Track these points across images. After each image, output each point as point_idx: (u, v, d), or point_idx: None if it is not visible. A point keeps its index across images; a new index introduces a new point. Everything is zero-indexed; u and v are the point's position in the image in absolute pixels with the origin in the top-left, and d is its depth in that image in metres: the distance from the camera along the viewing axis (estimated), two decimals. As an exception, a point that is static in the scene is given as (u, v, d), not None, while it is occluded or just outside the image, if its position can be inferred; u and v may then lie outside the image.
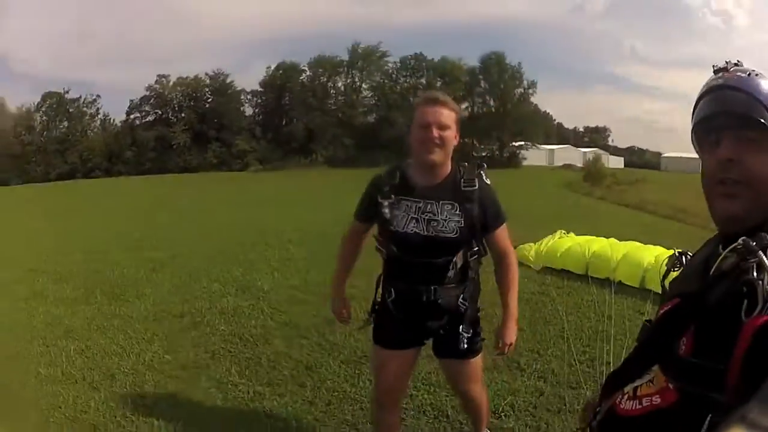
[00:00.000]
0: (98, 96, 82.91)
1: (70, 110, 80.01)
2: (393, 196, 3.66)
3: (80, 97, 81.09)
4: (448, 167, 3.69)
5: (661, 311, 1.88)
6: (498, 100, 77.14)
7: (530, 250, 11.27)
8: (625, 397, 1.88)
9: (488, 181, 3.74)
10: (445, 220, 3.59)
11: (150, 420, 5.13)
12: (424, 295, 3.65)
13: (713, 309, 1.63)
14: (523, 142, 76.36)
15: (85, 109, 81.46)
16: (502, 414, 5.29)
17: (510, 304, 3.86)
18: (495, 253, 3.83)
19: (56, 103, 79.18)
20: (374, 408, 4.31)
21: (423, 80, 78.62)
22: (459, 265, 3.66)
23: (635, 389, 1.85)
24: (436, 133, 3.52)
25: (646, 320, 2.10)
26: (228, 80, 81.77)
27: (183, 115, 78.08)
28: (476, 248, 3.73)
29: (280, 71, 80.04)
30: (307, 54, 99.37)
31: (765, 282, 1.47)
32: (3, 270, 11.83)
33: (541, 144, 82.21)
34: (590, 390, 5.62)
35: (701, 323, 1.65)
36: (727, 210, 1.72)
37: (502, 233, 3.78)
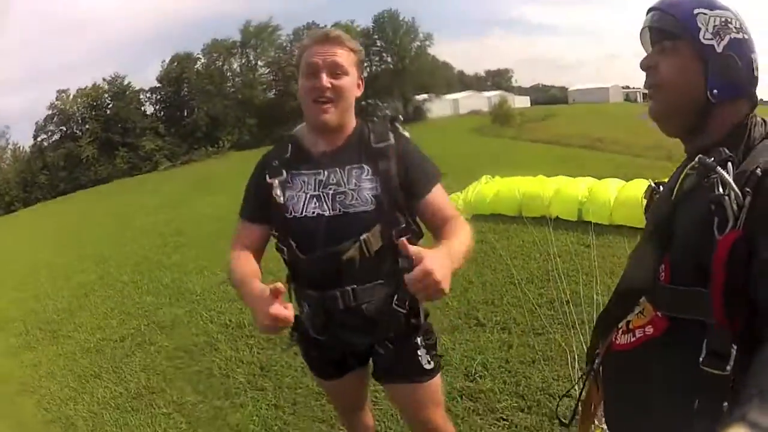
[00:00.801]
0: (7, 127, 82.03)
1: None
2: (284, 171, 2.67)
3: None
4: (352, 124, 2.74)
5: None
6: (395, 56, 76.83)
7: (457, 199, 11.06)
8: (620, 332, 1.89)
9: (407, 133, 2.79)
10: (354, 189, 2.58)
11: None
12: (340, 301, 2.61)
13: (683, 233, 1.67)
14: (426, 95, 76.50)
15: None
16: (477, 376, 5.11)
17: (452, 244, 2.37)
18: (435, 224, 2.65)
19: None
20: (340, 416, 3.85)
21: None
22: (374, 248, 2.55)
23: (627, 323, 1.87)
24: (326, 81, 2.55)
25: (631, 253, 2.05)
26: (126, 82, 78.58)
27: (87, 126, 74.86)
28: (403, 224, 2.62)
29: (175, 63, 77.49)
30: (201, 42, 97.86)
31: (731, 197, 1.50)
32: None
33: (444, 95, 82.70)
34: (557, 333, 5.56)
35: (674, 250, 1.68)
36: (651, 109, 1.88)
37: (439, 196, 2.67)
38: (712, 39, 1.74)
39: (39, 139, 77.18)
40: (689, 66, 1.76)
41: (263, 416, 5.07)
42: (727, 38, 1.74)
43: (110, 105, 76.70)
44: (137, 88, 79.67)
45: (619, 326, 1.89)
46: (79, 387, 6.63)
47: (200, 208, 19.71)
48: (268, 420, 4.99)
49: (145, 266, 12.10)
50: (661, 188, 2.09)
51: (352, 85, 2.65)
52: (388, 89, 72.39)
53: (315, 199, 2.60)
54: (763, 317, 1.37)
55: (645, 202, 2.21)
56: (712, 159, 1.60)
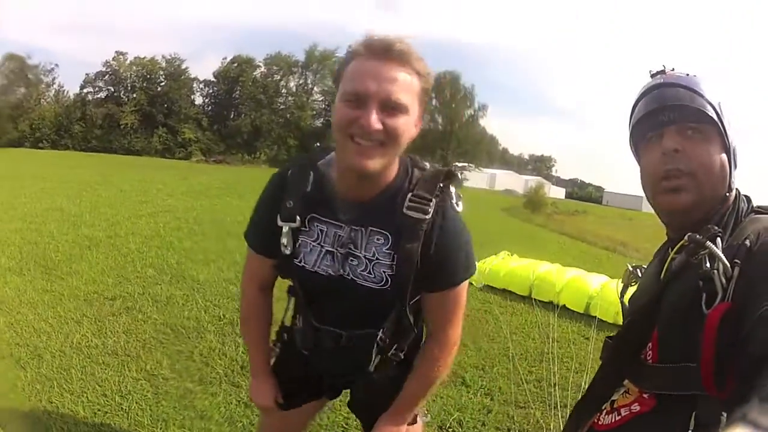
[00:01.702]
0: (56, 65, 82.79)
1: (29, 76, 77.81)
2: (298, 218, 2.17)
3: (39, 64, 79.14)
4: (393, 170, 2.14)
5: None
6: (447, 119, 77.67)
7: None
8: (603, 413, 1.87)
9: (458, 208, 2.17)
10: (371, 260, 2.14)
11: (75, 409, 4.81)
12: (331, 340, 2.38)
13: (671, 311, 1.66)
14: (466, 164, 77.07)
15: (42, 77, 79.36)
16: (450, 430, 5.13)
17: (409, 396, 2.41)
18: (430, 322, 2.34)
19: (18, 68, 77.03)
20: None
21: None
22: (391, 334, 2.32)
23: (612, 402, 1.85)
24: (376, 120, 1.89)
25: (607, 337, 2.04)
26: (183, 66, 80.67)
27: (134, 96, 76.49)
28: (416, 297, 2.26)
29: (235, 64, 79.13)
30: (264, 49, 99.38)
31: (720, 271, 1.51)
32: None
33: (484, 167, 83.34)
34: (538, 410, 5.58)
35: (662, 328, 1.67)
36: (672, 203, 1.75)
37: (453, 297, 2.23)
38: (729, 128, 1.74)
39: (84, 91, 78.86)
40: (720, 156, 1.72)
41: (231, 410, 5.00)
42: (731, 130, 1.75)
43: (163, 83, 78.57)
44: (193, 76, 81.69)
45: (603, 407, 1.88)
46: (57, 326, 6.61)
47: (223, 207, 19.65)
48: (235, 415, 4.92)
49: (155, 242, 12.04)
50: (639, 272, 2.13)
51: (410, 126, 2.01)
52: (431, 149, 73.24)
53: (330, 256, 2.20)
54: (755, 368, 1.33)
55: (621, 285, 2.21)
56: (700, 236, 1.61)
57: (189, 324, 7.03)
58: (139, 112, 73.82)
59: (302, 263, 2.23)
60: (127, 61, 78.64)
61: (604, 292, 9.39)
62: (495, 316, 8.80)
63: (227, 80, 79.01)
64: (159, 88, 77.96)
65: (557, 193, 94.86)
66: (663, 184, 1.76)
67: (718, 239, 1.59)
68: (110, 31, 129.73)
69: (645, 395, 1.74)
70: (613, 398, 1.85)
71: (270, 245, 2.26)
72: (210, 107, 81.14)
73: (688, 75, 1.81)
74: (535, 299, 9.86)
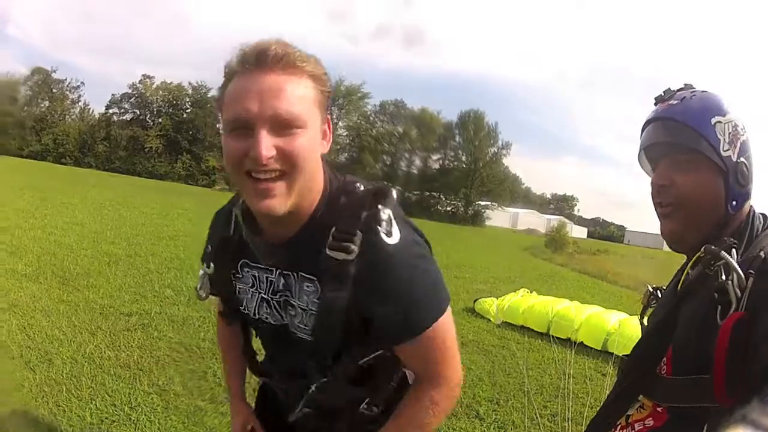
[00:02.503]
0: (82, 83, 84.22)
1: (54, 90, 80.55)
2: (213, 263, 2.02)
3: (65, 79, 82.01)
4: (313, 197, 1.72)
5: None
6: (470, 157, 78.73)
7: (491, 304, 11.30)
8: (618, 428, 1.86)
9: (392, 236, 1.66)
10: (305, 310, 1.78)
11: (82, 414, 4.82)
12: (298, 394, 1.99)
13: (686, 324, 1.68)
14: (489, 202, 77.38)
15: (67, 92, 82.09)
16: None
17: None
18: (414, 372, 1.90)
19: (42, 80, 79.79)
20: None
21: (399, 128, 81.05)
22: (329, 402, 1.97)
23: (627, 417, 1.84)
24: (267, 148, 1.51)
25: (624, 355, 2.03)
26: (209, 94, 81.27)
27: (160, 120, 78.30)
28: (378, 351, 1.87)
29: None
30: None
31: (734, 281, 1.54)
32: None
33: (506, 206, 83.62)
34: None
35: (677, 342, 1.69)
36: (666, 228, 1.84)
37: (431, 342, 1.74)
38: (729, 149, 1.75)
39: (110, 111, 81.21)
40: (710, 181, 1.76)
41: (240, 432, 5.01)
42: (738, 144, 1.77)
43: (189, 109, 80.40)
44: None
45: (618, 422, 1.88)
46: (71, 334, 6.65)
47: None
48: (245, 434, 4.93)
49: (174, 264, 12.09)
50: (659, 293, 2.12)
51: (313, 141, 1.63)
52: (454, 186, 74.64)
53: (266, 303, 1.91)
54: (762, 379, 1.34)
55: (642, 305, 2.19)
56: (716, 247, 1.63)
57: (204, 345, 7.01)
58: (164, 136, 75.25)
59: (246, 310, 1.98)
60: (154, 85, 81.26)
61: (622, 328, 9.39)
62: (512, 352, 8.79)
63: None
64: (185, 115, 79.84)
65: (579, 232, 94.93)
66: (657, 209, 1.88)
67: (734, 250, 1.63)
68: (138, 54, 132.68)
69: (659, 409, 1.76)
70: (628, 413, 1.85)
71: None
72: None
73: (684, 99, 1.84)
74: (552, 336, 9.90)
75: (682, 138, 1.78)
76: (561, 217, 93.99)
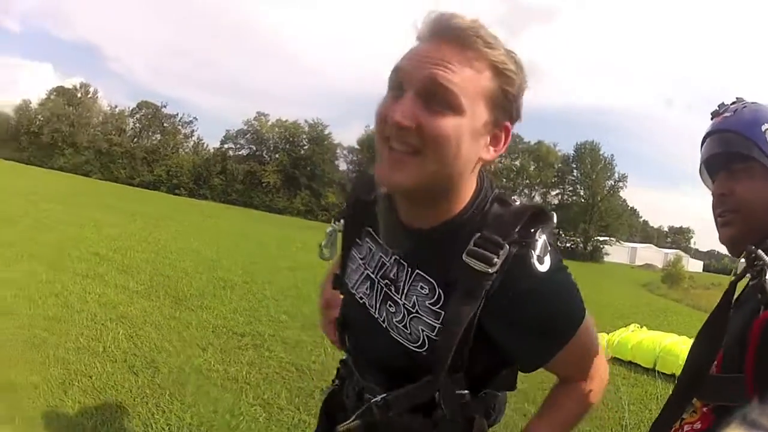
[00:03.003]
0: (195, 118, 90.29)
1: (165, 124, 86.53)
2: (342, 220, 2.07)
3: (177, 114, 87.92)
4: (458, 199, 1.62)
5: None
6: (588, 191, 79.28)
7: (602, 339, 11.08)
8: (673, 431, 1.92)
9: (542, 264, 1.52)
10: (411, 312, 1.66)
11: (182, 416, 5.08)
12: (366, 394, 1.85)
13: (735, 323, 1.76)
14: (607, 237, 76.50)
15: (179, 127, 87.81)
16: None
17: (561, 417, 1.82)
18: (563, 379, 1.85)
19: (151, 114, 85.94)
20: None
21: (517, 162, 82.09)
22: (395, 411, 1.75)
23: (681, 421, 1.91)
24: (407, 112, 1.42)
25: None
26: (326, 131, 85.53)
27: (277, 156, 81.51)
28: (463, 391, 1.68)
29: None
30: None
31: None
32: (69, 248, 12.41)
33: (624, 241, 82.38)
34: None
35: (726, 342, 1.74)
36: (724, 234, 1.95)
37: (561, 362, 1.65)
38: None
39: (226, 146, 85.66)
40: (764, 187, 1.85)
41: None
42: None
43: (306, 146, 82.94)
44: (336, 142, 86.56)
45: (673, 426, 1.94)
46: (180, 348, 7.03)
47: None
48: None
49: (291, 292, 12.36)
50: None
51: (463, 132, 1.46)
52: (574, 222, 74.75)
53: (369, 282, 1.82)
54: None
55: None
56: (754, 247, 1.72)
57: (314, 366, 7.16)
58: (282, 172, 77.76)
59: (347, 279, 1.94)
60: (269, 122, 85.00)
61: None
62: (616, 387, 8.72)
63: (371, 149, 79.82)
64: (302, 151, 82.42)
65: (695, 266, 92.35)
66: (718, 219, 1.97)
67: None
68: (249, 92, 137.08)
69: (705, 409, 1.83)
70: (683, 417, 1.92)
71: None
72: (354, 174, 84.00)
73: (736, 111, 1.95)
74: (658, 371, 9.84)
75: (737, 146, 1.90)
76: (677, 250, 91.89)
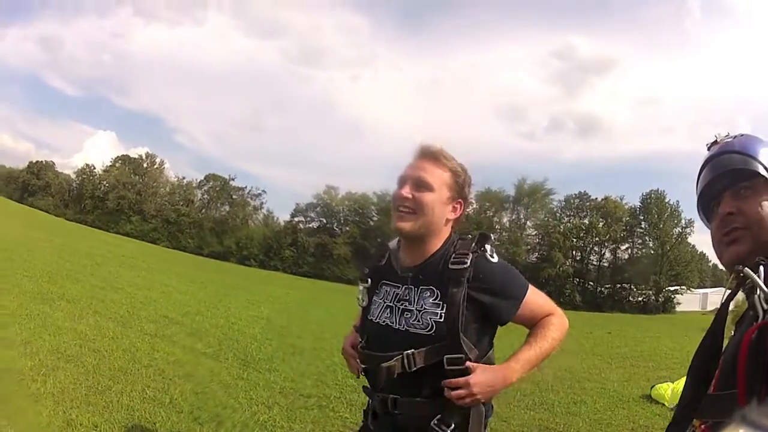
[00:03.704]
0: (264, 191, 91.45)
1: (234, 197, 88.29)
2: (370, 279, 3.12)
3: (245, 187, 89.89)
4: (437, 243, 2.98)
5: None
6: (657, 241, 78.16)
7: (667, 389, 11.23)
8: None
9: (494, 258, 2.90)
10: (420, 311, 2.84)
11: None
12: (379, 404, 2.96)
13: (731, 342, 1.88)
14: (678, 287, 75.04)
15: (248, 199, 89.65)
16: None
17: (523, 351, 2.91)
18: (528, 326, 3.03)
19: (219, 187, 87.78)
20: None
21: (585, 220, 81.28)
22: (415, 366, 2.77)
23: None
24: (407, 192, 2.89)
25: None
26: None
27: (347, 228, 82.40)
28: (461, 354, 2.76)
29: None
30: (474, 187, 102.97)
31: (762, 296, 1.68)
32: (138, 309, 12.74)
33: (695, 287, 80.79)
34: None
35: (723, 361, 1.81)
36: (732, 252, 1.97)
37: (528, 310, 2.94)
38: None
39: (296, 219, 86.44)
40: None
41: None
42: None
43: (375, 218, 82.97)
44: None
45: None
46: (246, 405, 7.17)
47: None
48: None
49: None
50: None
51: (436, 202, 2.92)
52: (644, 275, 73.46)
53: (388, 309, 2.98)
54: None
55: None
56: (742, 266, 1.81)
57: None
58: (352, 243, 77.92)
59: (370, 316, 3.04)
60: (339, 195, 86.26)
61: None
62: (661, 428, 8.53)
63: None
64: (371, 222, 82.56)
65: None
66: (724, 239, 2.02)
67: (761, 267, 1.77)
68: (321, 165, 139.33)
69: (703, 427, 1.86)
70: None
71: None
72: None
73: (736, 137, 2.15)
74: None
75: (742, 164, 2.03)
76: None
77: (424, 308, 2.82)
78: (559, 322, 3.02)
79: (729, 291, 1.98)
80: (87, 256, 23.31)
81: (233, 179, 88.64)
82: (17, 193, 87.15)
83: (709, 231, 2.15)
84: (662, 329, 33.68)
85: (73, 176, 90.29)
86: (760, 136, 2.15)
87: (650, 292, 74.71)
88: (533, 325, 2.98)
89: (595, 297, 73.36)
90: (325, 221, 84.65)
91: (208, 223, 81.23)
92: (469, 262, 2.80)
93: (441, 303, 2.79)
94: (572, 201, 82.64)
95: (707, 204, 2.19)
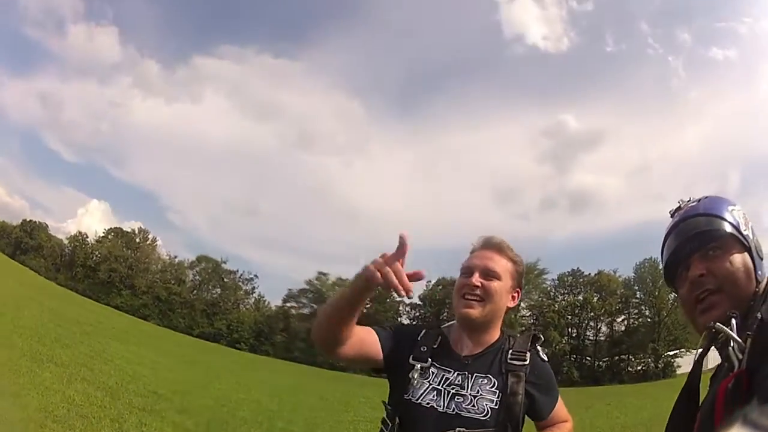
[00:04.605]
0: (256, 276, 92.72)
1: (225, 279, 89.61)
2: (429, 359, 3.03)
3: (237, 270, 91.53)
4: (496, 332, 3.11)
5: None
6: (653, 309, 79.80)
7: None
8: None
9: (545, 357, 3.13)
10: (475, 396, 2.88)
11: None
12: None
13: (710, 390, 1.90)
14: (677, 351, 76.06)
15: (240, 283, 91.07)
16: None
17: None
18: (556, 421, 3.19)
19: (211, 269, 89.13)
20: None
21: (580, 297, 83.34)
22: None
23: None
24: (477, 280, 2.97)
25: None
26: None
27: None
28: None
29: (440, 287, 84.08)
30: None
31: (735, 347, 1.73)
32: (127, 382, 12.63)
33: (695, 349, 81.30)
34: None
35: (701, 415, 1.85)
36: (709, 318, 1.97)
37: (556, 415, 3.13)
38: (747, 229, 2.12)
39: (288, 304, 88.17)
40: (740, 257, 2.05)
41: None
42: (750, 225, 2.15)
43: (368, 305, 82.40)
44: (398, 299, 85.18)
45: None
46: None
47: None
48: None
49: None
50: None
51: (502, 290, 3.03)
52: (642, 344, 74.86)
53: (435, 392, 2.93)
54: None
55: None
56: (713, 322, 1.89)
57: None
58: None
59: (410, 396, 2.93)
60: (330, 281, 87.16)
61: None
62: None
63: (434, 303, 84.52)
64: (365, 310, 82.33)
65: None
66: (698, 307, 2.08)
67: (733, 320, 1.85)
68: (309, 250, 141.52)
69: None
70: None
71: (390, 346, 3.06)
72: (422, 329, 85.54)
73: (700, 200, 2.26)
74: None
75: (708, 225, 2.13)
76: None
77: (480, 394, 2.88)
78: (570, 428, 3.23)
79: (701, 349, 2.09)
80: (76, 323, 23.52)
81: (225, 262, 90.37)
82: (9, 249, 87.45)
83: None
84: (663, 394, 33.76)
85: (66, 242, 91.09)
86: (725, 197, 2.26)
87: (649, 359, 75.91)
88: (550, 425, 3.13)
89: (593, 371, 74.72)
90: (316, 307, 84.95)
91: (199, 305, 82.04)
92: (528, 359, 2.98)
93: (497, 392, 2.88)
94: (565, 279, 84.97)
95: (675, 271, 2.25)
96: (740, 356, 1.70)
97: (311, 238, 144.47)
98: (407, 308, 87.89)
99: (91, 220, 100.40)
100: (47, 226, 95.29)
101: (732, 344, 1.76)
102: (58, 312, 25.58)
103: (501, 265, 3.05)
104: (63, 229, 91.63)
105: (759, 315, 1.77)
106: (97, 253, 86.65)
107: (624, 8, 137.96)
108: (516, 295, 3.15)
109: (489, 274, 2.99)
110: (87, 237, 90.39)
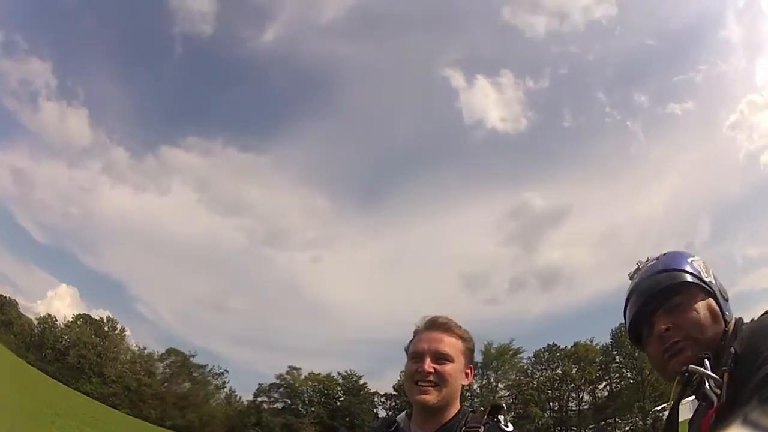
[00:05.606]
0: (226, 370, 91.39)
1: (194, 374, 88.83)
2: None
3: (207, 365, 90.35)
4: (453, 410, 3.16)
5: None
6: (635, 370, 78.62)
7: None
8: None
9: (508, 427, 3.09)
10: None
11: None
12: None
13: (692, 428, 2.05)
14: (664, 404, 74.36)
15: (210, 378, 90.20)
16: None
17: None
18: None
19: (181, 362, 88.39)
20: None
21: (558, 370, 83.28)
22: None
23: None
24: (429, 366, 3.05)
25: None
26: (361, 381, 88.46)
27: (313, 409, 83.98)
28: None
29: None
30: None
31: (712, 384, 1.90)
32: None
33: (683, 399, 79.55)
34: None
35: None
36: (677, 363, 2.16)
37: None
38: (709, 276, 2.27)
39: (259, 399, 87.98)
40: (705, 303, 2.20)
41: None
42: (711, 272, 2.30)
43: (342, 398, 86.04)
44: (372, 391, 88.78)
45: None
46: None
47: None
48: None
49: None
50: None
51: (456, 372, 3.15)
52: (628, 405, 74.48)
53: None
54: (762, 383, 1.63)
55: None
56: (685, 366, 2.04)
57: None
58: (320, 424, 78.66)
59: None
60: (302, 376, 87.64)
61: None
62: None
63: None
64: (338, 403, 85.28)
65: None
66: (665, 355, 2.24)
67: (706, 360, 2.00)
68: (279, 345, 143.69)
69: None
70: None
71: None
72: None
73: (659, 258, 2.43)
74: None
75: (669, 280, 2.27)
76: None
77: None
78: None
79: (676, 394, 2.17)
80: (48, 404, 23.35)
81: (193, 356, 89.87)
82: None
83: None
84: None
85: (36, 322, 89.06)
86: (683, 251, 2.43)
87: (636, 418, 75.06)
88: None
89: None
90: (289, 402, 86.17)
91: (171, 398, 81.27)
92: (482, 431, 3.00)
93: None
94: (542, 355, 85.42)
95: (639, 331, 2.36)
96: (718, 392, 1.81)
97: (281, 333, 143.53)
98: (382, 399, 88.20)
99: (60, 303, 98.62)
100: (17, 303, 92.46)
101: (707, 383, 1.88)
102: (30, 390, 26.30)
103: (451, 345, 3.13)
104: (33, 309, 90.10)
105: (733, 350, 1.89)
106: (66, 337, 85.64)
107: (580, 81, 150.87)
108: (469, 371, 3.25)
109: (440, 358, 3.07)
110: (56, 320, 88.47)
